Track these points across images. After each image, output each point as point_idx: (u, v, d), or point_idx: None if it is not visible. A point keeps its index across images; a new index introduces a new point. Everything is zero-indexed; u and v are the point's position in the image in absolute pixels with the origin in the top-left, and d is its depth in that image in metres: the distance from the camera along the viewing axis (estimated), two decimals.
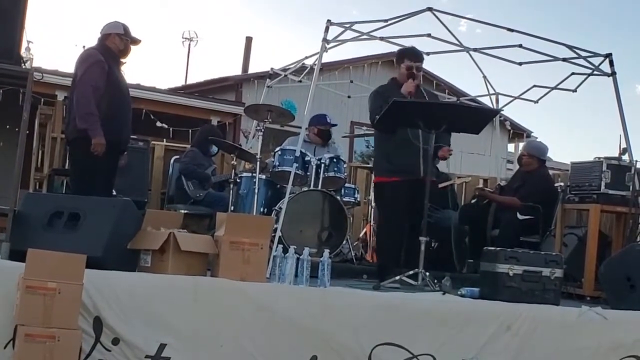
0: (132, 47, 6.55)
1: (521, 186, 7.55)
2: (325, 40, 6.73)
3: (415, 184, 6.32)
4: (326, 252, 5.38)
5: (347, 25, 6.84)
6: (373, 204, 9.11)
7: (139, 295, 4.54)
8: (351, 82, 11.12)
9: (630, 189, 6.88)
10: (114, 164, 6.46)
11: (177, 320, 4.58)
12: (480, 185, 9.28)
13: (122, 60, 6.53)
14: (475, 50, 7.75)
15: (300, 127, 7.09)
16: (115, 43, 6.41)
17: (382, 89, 6.79)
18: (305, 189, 7.28)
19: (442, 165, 8.02)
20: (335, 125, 8.52)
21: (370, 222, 8.89)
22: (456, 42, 7.54)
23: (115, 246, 4.83)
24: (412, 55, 6.78)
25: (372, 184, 7.81)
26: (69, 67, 6.51)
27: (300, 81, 9.39)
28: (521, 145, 11.16)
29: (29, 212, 5.01)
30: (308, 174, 7.38)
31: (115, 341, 4.44)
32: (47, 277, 4.10)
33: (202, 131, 8.97)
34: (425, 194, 6.13)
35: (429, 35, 7.31)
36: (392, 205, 6.56)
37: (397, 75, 6.88)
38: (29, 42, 10.34)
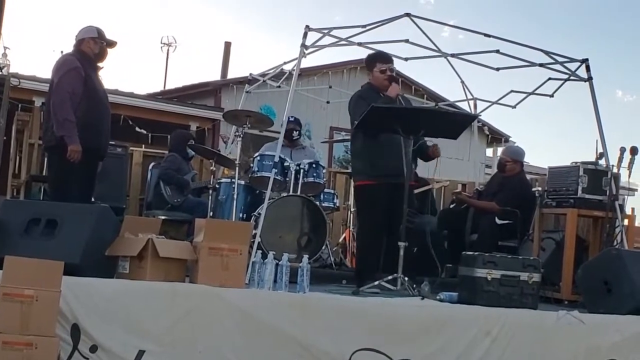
0: (109, 50, 6.52)
1: (499, 191, 7.58)
2: (303, 45, 6.74)
3: (397, 188, 6.35)
4: (305, 257, 5.39)
5: (326, 31, 6.86)
6: (353, 208, 9.14)
7: (117, 302, 4.52)
8: (330, 87, 11.13)
9: (607, 193, 6.93)
10: (93, 170, 6.43)
11: (155, 326, 4.56)
12: (459, 189, 9.30)
13: (99, 64, 6.50)
14: (452, 55, 7.79)
15: (279, 132, 7.08)
16: (90, 47, 6.38)
17: (364, 94, 6.68)
18: (285, 194, 7.28)
19: (421, 170, 8.03)
20: (300, 124, 8.44)
21: (350, 227, 8.90)
22: (434, 47, 7.57)
23: (93, 253, 4.81)
24: (382, 58, 6.76)
25: (353, 188, 7.71)
26: (47, 73, 6.47)
27: (279, 86, 9.38)
28: (500, 150, 11.18)
29: (6, 219, 4.97)
30: (287, 179, 7.39)
31: (94, 348, 4.42)
32: (25, 285, 4.08)
33: (177, 136, 8.90)
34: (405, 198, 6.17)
35: (407, 40, 7.33)
36: (374, 209, 6.48)
37: (371, 80, 6.80)
38: (6, 48, 10.31)
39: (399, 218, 6.14)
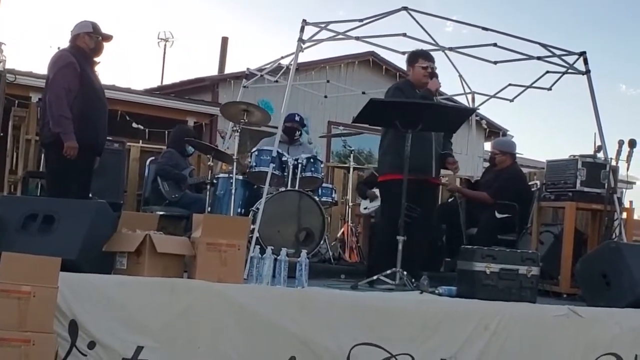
0: (105, 45, 6.50)
1: (493, 184, 7.59)
2: (300, 40, 6.71)
3: (424, 184, 6.43)
4: (304, 252, 5.38)
5: (323, 25, 6.82)
6: (351, 203, 9.12)
7: (115, 298, 4.51)
8: (328, 81, 11.09)
9: (606, 186, 6.93)
10: (90, 166, 6.41)
11: (153, 322, 4.55)
12: (445, 180, 9.21)
13: (95, 59, 6.48)
14: (450, 49, 7.76)
15: (276, 127, 7.06)
16: (85, 42, 6.36)
17: (401, 86, 6.86)
18: (283, 189, 7.27)
19: None
20: (303, 124, 8.45)
21: (348, 221, 8.89)
22: (432, 41, 7.54)
23: (91, 249, 4.79)
24: (425, 55, 6.87)
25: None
26: (44, 69, 6.45)
27: (277, 81, 9.36)
28: None
29: (3, 215, 4.95)
30: (285, 174, 7.37)
31: (92, 345, 4.40)
32: (22, 281, 4.05)
33: (177, 131, 8.92)
34: (432, 195, 6.51)
35: (404, 34, 7.32)
36: (398, 204, 6.19)
37: (409, 75, 6.92)
38: (1, 43, 10.29)
39: (422, 214, 6.30)
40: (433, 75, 6.70)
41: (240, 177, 7.47)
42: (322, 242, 7.34)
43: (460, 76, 8.88)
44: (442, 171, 7.09)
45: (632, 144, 6.84)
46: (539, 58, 7.50)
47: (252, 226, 6.13)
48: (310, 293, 5.07)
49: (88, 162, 6.35)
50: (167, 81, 19.45)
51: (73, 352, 4.37)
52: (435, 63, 6.86)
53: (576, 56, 7.32)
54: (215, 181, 7.61)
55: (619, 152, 6.91)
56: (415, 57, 6.87)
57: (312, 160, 7.52)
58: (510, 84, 8.61)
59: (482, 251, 5.57)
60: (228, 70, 17.04)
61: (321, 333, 4.82)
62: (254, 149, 7.61)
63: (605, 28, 41.40)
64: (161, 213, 7.69)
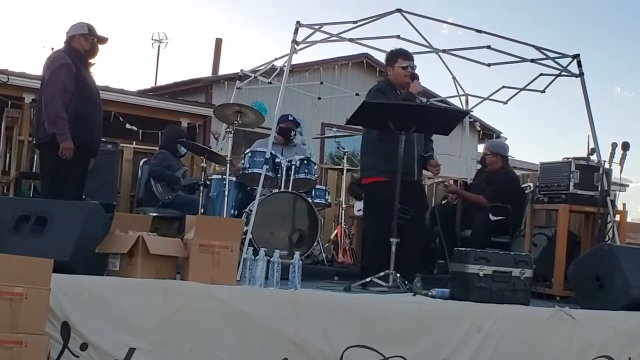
0: (100, 46, 6.50)
1: (487, 187, 7.59)
2: (294, 41, 6.71)
3: (409, 186, 6.37)
4: (297, 254, 5.38)
5: (317, 27, 6.82)
6: (344, 205, 9.11)
7: (107, 299, 4.50)
8: (321, 83, 11.07)
9: (599, 188, 6.94)
10: (85, 167, 6.41)
11: (146, 324, 4.54)
12: (445, 182, 9.24)
13: (91, 61, 6.48)
14: (444, 51, 7.75)
15: (270, 129, 7.05)
16: (81, 44, 6.37)
17: (382, 88, 6.71)
18: (276, 190, 7.26)
19: None
20: (298, 124, 8.46)
21: (341, 223, 8.88)
22: (426, 43, 7.54)
23: (83, 250, 4.78)
24: (404, 55, 6.76)
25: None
26: (37, 69, 6.45)
27: (271, 83, 9.35)
28: None
29: None
30: (278, 175, 7.37)
31: (84, 346, 4.39)
32: (14, 282, 4.03)
33: (169, 133, 8.91)
34: (419, 196, 6.45)
35: (397, 36, 7.31)
36: (388, 205, 6.16)
37: (389, 75, 6.81)
38: None
39: (413, 216, 6.26)
40: (414, 76, 6.62)
41: (234, 179, 7.46)
42: (315, 244, 7.35)
43: (454, 78, 8.89)
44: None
45: (626, 146, 6.85)
46: (532, 60, 7.50)
47: (245, 228, 6.13)
48: (303, 295, 5.07)
49: (83, 162, 6.35)
50: (161, 82, 19.47)
51: (65, 354, 4.35)
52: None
53: (570, 59, 7.32)
54: (208, 182, 7.61)
55: (612, 155, 6.92)
56: (394, 56, 6.77)
57: (305, 161, 7.52)
58: (504, 86, 8.62)
59: (475, 253, 5.56)
60: (222, 71, 17.02)
61: (314, 335, 4.82)
62: (247, 150, 7.61)
63: (601, 30, 41.56)
64: (154, 214, 7.69)
